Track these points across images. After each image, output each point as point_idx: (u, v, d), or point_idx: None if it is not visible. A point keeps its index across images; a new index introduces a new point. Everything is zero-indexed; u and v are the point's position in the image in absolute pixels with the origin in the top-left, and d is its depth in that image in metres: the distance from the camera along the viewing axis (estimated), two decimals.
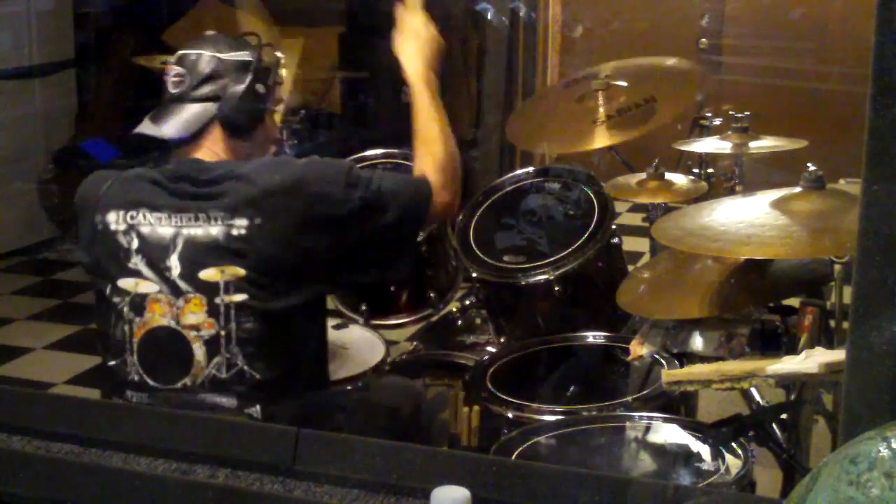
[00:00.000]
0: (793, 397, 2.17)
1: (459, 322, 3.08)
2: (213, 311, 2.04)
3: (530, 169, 3.10)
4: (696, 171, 3.21)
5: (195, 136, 2.17)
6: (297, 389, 2.13)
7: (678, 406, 2.31)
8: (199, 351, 2.05)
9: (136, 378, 2.08)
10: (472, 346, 2.99)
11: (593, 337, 2.60)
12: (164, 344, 2.06)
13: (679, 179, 2.97)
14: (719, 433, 1.90)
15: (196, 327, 2.05)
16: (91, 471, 1.47)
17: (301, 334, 2.17)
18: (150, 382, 2.08)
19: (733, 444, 1.91)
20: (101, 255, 2.13)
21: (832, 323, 2.29)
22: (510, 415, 2.24)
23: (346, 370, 2.55)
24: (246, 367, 2.05)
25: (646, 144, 3.22)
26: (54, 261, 5.45)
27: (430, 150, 2.26)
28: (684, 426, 2.06)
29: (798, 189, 2.10)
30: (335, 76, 5.36)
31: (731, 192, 3.14)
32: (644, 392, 2.24)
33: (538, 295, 2.75)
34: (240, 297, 2.04)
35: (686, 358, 2.24)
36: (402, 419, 2.45)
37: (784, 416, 2.19)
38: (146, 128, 2.20)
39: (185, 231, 2.06)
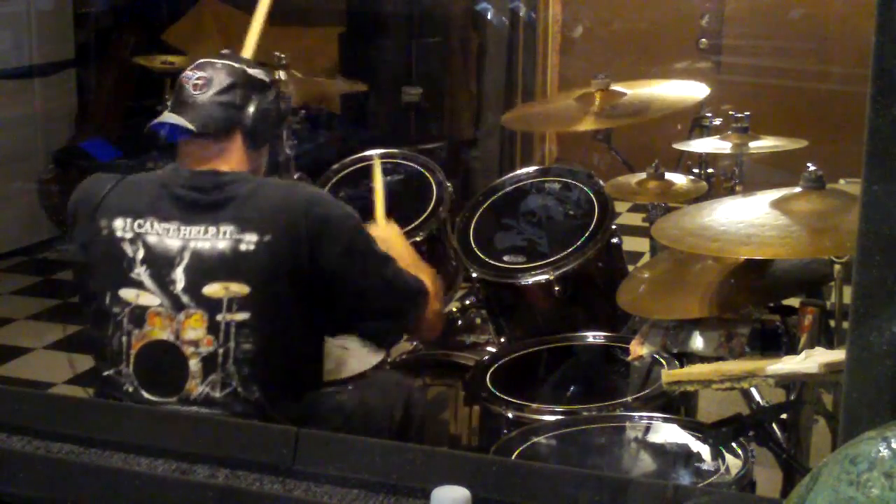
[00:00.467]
0: (793, 397, 2.17)
1: (459, 322, 3.08)
2: (213, 328, 2.03)
3: (530, 169, 3.10)
4: (696, 171, 3.21)
5: (215, 139, 2.14)
6: (289, 412, 2.09)
7: (678, 406, 2.31)
8: (195, 367, 2.03)
9: (130, 389, 2.07)
10: (472, 346, 2.99)
11: (593, 337, 2.60)
12: (161, 358, 2.05)
13: (679, 179, 2.96)
14: (719, 433, 1.90)
15: (195, 343, 2.03)
16: (91, 471, 1.47)
17: (298, 361, 2.16)
18: (144, 394, 2.06)
19: (733, 444, 1.91)
20: (102, 261, 2.10)
21: (832, 323, 2.29)
22: (510, 415, 2.24)
23: (346, 370, 2.55)
24: (240, 389, 2.04)
25: (646, 144, 3.22)
26: (54, 261, 5.44)
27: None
28: (684, 426, 2.06)
29: (798, 189, 2.10)
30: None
31: (731, 192, 3.13)
32: (644, 392, 2.24)
33: (538, 295, 2.75)
34: (241, 316, 2.02)
35: (686, 358, 2.24)
36: (398, 416, 2.45)
37: (784, 416, 2.19)
38: (170, 118, 2.14)
39: (192, 244, 2.04)
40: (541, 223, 2.88)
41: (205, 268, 2.04)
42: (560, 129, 3.63)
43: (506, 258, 2.79)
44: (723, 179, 3.22)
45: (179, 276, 2.04)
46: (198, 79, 2.14)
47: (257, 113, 2.16)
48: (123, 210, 2.10)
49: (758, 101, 4.77)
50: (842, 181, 2.56)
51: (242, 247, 2.03)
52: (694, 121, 3.44)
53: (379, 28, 5.27)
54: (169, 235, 2.06)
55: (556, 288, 2.69)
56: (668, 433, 2.06)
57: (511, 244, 2.83)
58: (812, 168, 2.10)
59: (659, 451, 2.02)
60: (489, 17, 5.56)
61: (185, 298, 2.03)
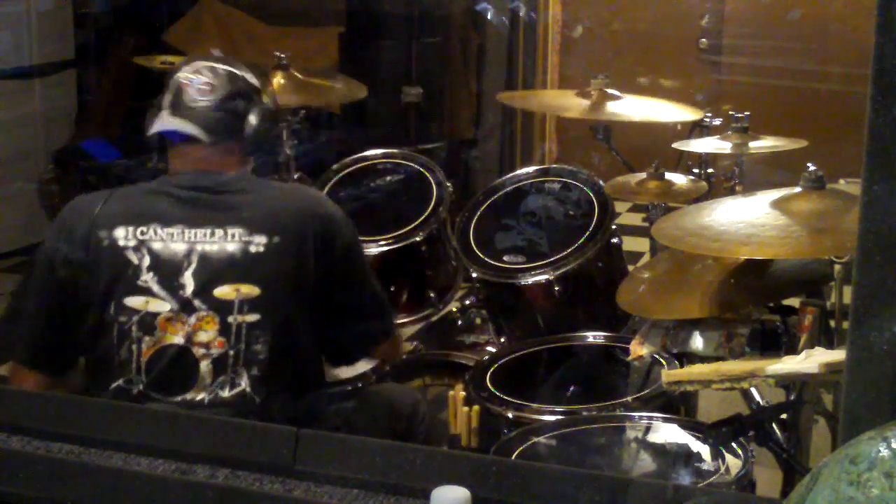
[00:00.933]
0: (793, 397, 2.17)
1: (459, 322, 3.08)
2: (224, 330, 2.03)
3: (530, 169, 3.10)
4: (696, 171, 3.21)
5: (216, 145, 2.14)
6: (295, 411, 2.11)
7: (678, 406, 2.31)
8: (205, 369, 2.04)
9: (137, 393, 2.06)
10: (472, 346, 2.99)
11: (593, 337, 2.60)
12: (172, 362, 2.05)
13: (679, 179, 2.97)
14: (719, 433, 1.90)
15: (206, 345, 2.04)
16: (91, 471, 1.47)
17: (304, 360, 2.18)
18: (152, 394, 2.06)
19: (733, 444, 1.91)
20: (104, 272, 2.07)
21: (832, 323, 2.29)
22: (510, 415, 2.24)
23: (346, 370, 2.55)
24: (248, 390, 2.05)
25: (646, 144, 3.22)
26: None
27: None
28: (684, 426, 2.06)
29: (798, 189, 2.10)
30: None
31: (731, 192, 3.14)
32: (644, 392, 2.24)
33: (538, 295, 2.75)
34: (252, 317, 2.04)
35: (686, 358, 2.24)
36: (400, 429, 2.45)
37: (784, 416, 2.19)
38: (176, 124, 2.13)
39: (199, 247, 2.04)
40: (541, 223, 2.88)
41: (214, 270, 2.04)
42: (555, 113, 3.74)
43: (506, 258, 2.79)
44: (723, 179, 3.22)
45: (188, 279, 2.04)
46: (203, 84, 2.13)
47: (257, 121, 2.17)
48: (123, 219, 2.08)
49: (758, 101, 4.77)
50: (842, 181, 2.56)
51: (252, 248, 2.04)
52: (694, 121, 3.44)
53: (379, 28, 5.26)
54: (174, 240, 2.05)
55: (556, 288, 2.69)
56: (668, 433, 2.06)
57: (511, 244, 2.84)
58: (812, 168, 2.10)
59: (659, 451, 2.02)
60: (489, 17, 5.55)
61: (196, 302, 2.03)
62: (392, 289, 2.88)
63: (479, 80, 5.67)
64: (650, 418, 2.12)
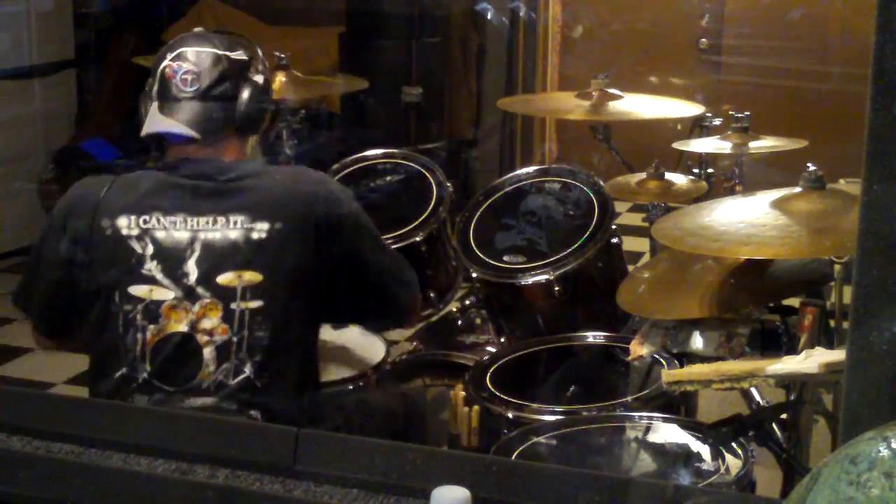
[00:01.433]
0: (793, 397, 2.17)
1: (459, 322, 3.08)
2: (227, 316, 2.04)
3: (530, 169, 3.09)
4: (696, 171, 3.21)
5: (212, 134, 2.14)
6: (296, 397, 2.12)
7: (678, 406, 2.31)
8: (209, 356, 2.04)
9: (142, 381, 2.06)
10: (472, 346, 2.99)
11: (593, 337, 2.60)
12: (177, 349, 2.05)
13: (679, 179, 2.97)
14: (719, 433, 1.90)
15: (210, 332, 2.04)
16: (91, 471, 1.47)
17: (304, 348, 2.18)
18: (156, 384, 2.06)
19: (733, 444, 1.91)
20: (107, 261, 2.08)
21: (832, 323, 2.29)
22: (510, 415, 2.24)
23: (347, 370, 2.55)
24: (252, 376, 2.05)
25: (646, 144, 3.22)
26: None
27: None
28: (684, 426, 2.06)
29: (798, 189, 2.10)
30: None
31: (731, 192, 3.14)
32: (644, 392, 2.24)
33: (538, 295, 2.75)
34: (255, 304, 2.04)
35: (686, 358, 2.24)
36: (399, 429, 2.45)
37: (784, 416, 2.19)
38: (167, 124, 2.12)
39: (202, 235, 2.05)
40: (541, 223, 2.88)
41: (217, 258, 2.04)
42: (555, 116, 3.77)
43: (506, 258, 2.79)
44: (723, 179, 3.22)
45: (192, 267, 2.04)
46: (185, 73, 2.11)
47: (249, 99, 2.15)
48: (126, 208, 2.09)
49: (758, 101, 4.78)
50: (842, 181, 2.56)
51: (255, 235, 2.05)
52: (694, 121, 3.44)
53: (379, 28, 5.27)
54: (176, 228, 2.06)
55: (556, 288, 2.69)
56: (668, 433, 2.06)
57: (511, 244, 2.83)
58: (812, 168, 2.10)
59: (659, 451, 2.02)
60: (489, 17, 5.56)
61: (199, 289, 2.04)
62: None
63: (479, 80, 5.68)
64: (650, 418, 2.12)
